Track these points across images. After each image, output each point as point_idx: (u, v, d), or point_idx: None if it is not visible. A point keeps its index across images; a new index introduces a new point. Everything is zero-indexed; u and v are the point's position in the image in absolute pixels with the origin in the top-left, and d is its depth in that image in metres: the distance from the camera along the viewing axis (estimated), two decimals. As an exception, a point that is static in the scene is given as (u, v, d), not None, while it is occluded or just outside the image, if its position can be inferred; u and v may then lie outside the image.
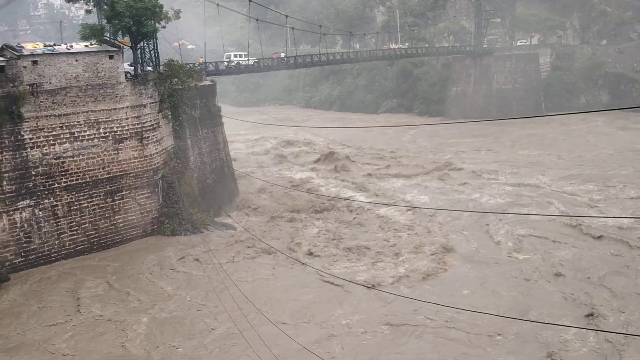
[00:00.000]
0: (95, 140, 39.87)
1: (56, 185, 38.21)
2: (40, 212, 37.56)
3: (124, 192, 41.31)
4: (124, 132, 41.18)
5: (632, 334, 27.14)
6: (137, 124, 41.79)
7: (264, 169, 68.33)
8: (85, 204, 39.50)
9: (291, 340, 26.43)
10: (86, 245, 39.44)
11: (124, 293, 33.66)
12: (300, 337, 27.42)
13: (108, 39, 41.65)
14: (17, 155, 36.44)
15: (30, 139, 36.97)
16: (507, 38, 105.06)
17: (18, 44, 41.30)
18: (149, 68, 44.46)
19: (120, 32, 41.75)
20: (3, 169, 35.85)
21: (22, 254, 36.79)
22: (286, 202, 52.62)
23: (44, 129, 37.46)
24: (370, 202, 50.74)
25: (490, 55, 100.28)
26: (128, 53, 43.41)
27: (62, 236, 38.46)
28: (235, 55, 71.51)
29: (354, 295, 32.87)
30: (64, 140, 38.44)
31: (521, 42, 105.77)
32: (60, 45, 40.34)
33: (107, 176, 40.46)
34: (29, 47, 38.78)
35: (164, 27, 44.21)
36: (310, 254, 39.69)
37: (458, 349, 27.39)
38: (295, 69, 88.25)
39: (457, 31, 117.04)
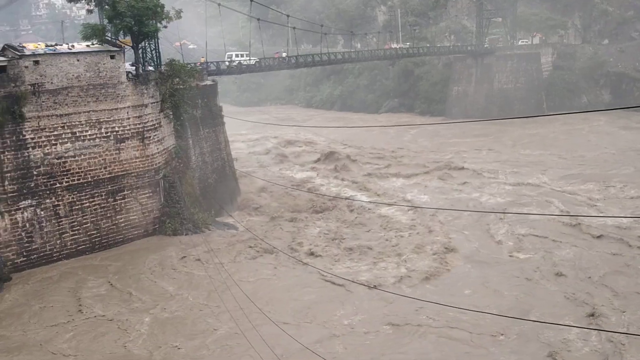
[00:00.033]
0: (97, 140, 39.88)
1: (58, 185, 38.24)
2: (42, 212, 37.59)
3: (125, 192, 41.32)
4: (126, 131, 41.20)
5: (634, 334, 27.10)
6: (139, 124, 41.81)
7: (265, 168, 68.34)
8: (87, 204, 39.53)
9: (293, 340, 26.41)
10: (88, 245, 39.47)
11: (125, 293, 33.67)
12: (302, 337, 27.40)
13: (109, 38, 41.66)
14: (19, 155, 36.47)
15: (32, 138, 37.00)
16: (509, 37, 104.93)
17: (20, 43, 41.35)
18: (151, 68, 44.47)
19: (121, 31, 41.73)
20: (5, 169, 35.89)
21: (24, 253, 36.83)
22: (287, 201, 52.64)
23: (45, 128, 37.49)
24: (371, 202, 50.74)
25: (491, 55, 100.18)
26: (129, 53, 43.42)
27: (63, 236, 38.48)
28: (236, 55, 71.48)
29: (356, 295, 32.86)
30: (66, 140, 38.46)
31: (522, 42, 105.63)
32: (61, 45, 40.39)
33: (108, 176, 40.47)
34: (30, 47, 38.83)
35: (165, 26, 44.23)
36: (312, 254, 39.70)
37: (461, 349, 27.39)
38: (296, 69, 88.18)
39: (458, 31, 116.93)
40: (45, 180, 37.67)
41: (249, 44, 73.15)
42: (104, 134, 40.17)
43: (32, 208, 37.13)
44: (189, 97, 46.69)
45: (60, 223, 38.35)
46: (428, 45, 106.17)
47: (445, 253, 39.05)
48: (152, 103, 42.91)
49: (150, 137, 42.44)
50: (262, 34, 78.63)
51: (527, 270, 36.04)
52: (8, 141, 35.99)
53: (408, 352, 27.35)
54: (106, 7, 41.36)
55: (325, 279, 34.86)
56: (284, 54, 77.45)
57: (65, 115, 38.26)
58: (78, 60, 38.67)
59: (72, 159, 38.78)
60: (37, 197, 37.34)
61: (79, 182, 39.14)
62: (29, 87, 36.58)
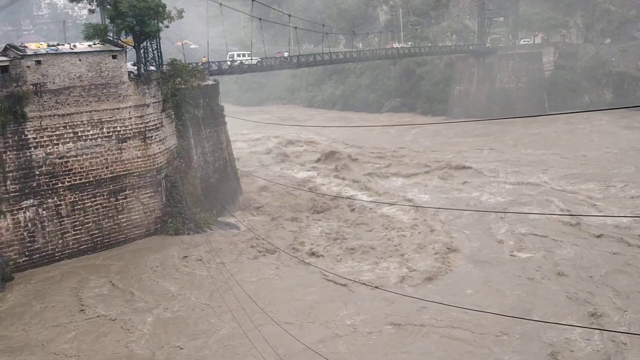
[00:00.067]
0: (99, 139, 39.91)
1: (60, 184, 38.26)
2: (44, 212, 37.62)
3: (127, 192, 41.35)
4: (127, 131, 41.22)
5: (635, 333, 27.09)
6: (141, 124, 41.83)
7: (266, 168, 68.38)
8: (89, 204, 39.55)
9: (296, 340, 26.39)
10: (90, 245, 39.49)
11: (127, 293, 33.67)
12: (305, 337, 27.39)
13: (111, 38, 41.68)
14: (21, 155, 36.50)
15: (34, 138, 37.04)
16: (510, 37, 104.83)
17: (22, 43, 41.39)
18: (152, 68, 44.49)
19: (123, 31, 41.76)
20: (7, 169, 35.92)
21: (26, 253, 36.86)
22: (289, 201, 52.65)
23: (47, 128, 37.51)
24: (372, 202, 50.73)
25: (493, 54, 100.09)
26: (131, 53, 43.47)
27: (65, 235, 38.51)
28: (238, 55, 71.50)
29: (358, 295, 32.85)
30: (68, 139, 38.49)
31: (524, 41, 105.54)
32: (63, 45, 40.41)
33: (110, 176, 40.50)
34: (32, 47, 38.86)
35: (167, 26, 44.24)
36: (314, 254, 39.66)
37: (464, 349, 27.38)
38: (298, 69, 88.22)
39: (460, 30, 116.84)
40: (47, 180, 37.70)
41: (250, 43, 73.24)
42: (106, 134, 40.20)
43: (34, 208, 37.17)
44: (190, 96, 46.71)
45: (62, 223, 38.38)
46: (430, 44, 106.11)
47: (447, 253, 39.05)
48: (153, 103, 42.93)
49: (152, 136, 42.45)
50: (264, 33, 78.59)
51: (528, 269, 36.05)
52: (10, 141, 36.02)
53: (411, 352, 27.34)
54: (108, 6, 41.37)
55: (328, 279, 34.86)
56: (286, 54, 77.47)
57: (67, 115, 38.29)
58: (80, 60, 38.70)
59: (74, 158, 38.81)
60: (39, 197, 37.37)
61: (81, 181, 39.17)
62: (31, 87, 36.61)
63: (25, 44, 40.06)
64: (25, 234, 36.82)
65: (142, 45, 43.26)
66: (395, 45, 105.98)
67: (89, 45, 40.26)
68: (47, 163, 37.61)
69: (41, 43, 42.44)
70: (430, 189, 56.38)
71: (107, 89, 39.85)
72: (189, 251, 39.23)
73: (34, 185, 37.16)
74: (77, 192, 39.00)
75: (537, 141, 76.88)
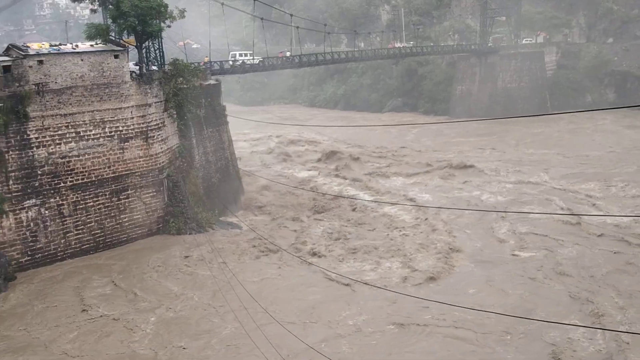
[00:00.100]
0: (101, 139, 39.95)
1: (62, 184, 38.31)
2: (47, 211, 37.67)
3: (129, 191, 41.39)
4: (129, 131, 41.26)
5: (638, 332, 27.05)
6: (143, 123, 41.86)
7: (268, 167, 68.41)
8: (91, 203, 39.60)
9: (299, 340, 26.35)
10: (92, 244, 39.54)
11: (130, 292, 33.68)
12: (308, 338, 27.37)
13: (113, 38, 41.73)
14: (23, 155, 36.56)
15: (36, 138, 37.09)
16: (513, 36, 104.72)
17: (24, 43, 41.45)
18: (154, 67, 44.52)
19: (125, 31, 41.84)
20: (9, 168, 35.97)
21: (29, 252, 36.92)
22: (291, 200, 52.65)
23: (49, 128, 37.56)
24: (374, 201, 50.70)
25: (495, 54, 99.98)
26: (133, 52, 43.47)
27: (68, 235, 38.57)
28: (240, 55, 71.54)
29: (361, 295, 32.83)
30: (70, 139, 38.54)
31: (527, 41, 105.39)
32: (65, 44, 40.47)
33: (112, 175, 40.54)
34: (34, 46, 38.92)
35: (169, 26, 44.32)
36: (316, 253, 39.61)
37: (467, 348, 27.37)
38: (300, 68, 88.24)
39: (462, 30, 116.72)
40: (49, 180, 37.75)
41: (252, 43, 73.23)
42: (108, 134, 40.24)
43: (36, 207, 37.22)
44: (192, 96, 46.74)
45: (65, 222, 38.43)
46: (432, 44, 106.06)
47: (449, 252, 39.01)
48: (155, 102, 42.96)
49: (154, 136, 42.49)
50: (266, 33, 78.51)
51: (530, 269, 36.06)
52: (12, 141, 36.07)
53: (415, 352, 27.32)
54: (110, 6, 41.43)
55: (330, 279, 34.85)
56: (288, 53, 77.49)
57: (69, 114, 38.34)
58: (82, 60, 38.75)
59: (76, 158, 38.86)
60: (41, 197, 37.42)
61: (83, 181, 39.22)
62: (33, 86, 36.66)
63: (28, 44, 40.13)
64: (27, 233, 36.87)
65: (144, 45, 43.29)
66: (397, 44, 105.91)
67: (91, 45, 40.30)
68: (50, 163, 37.66)
69: (43, 43, 42.48)
70: (431, 188, 56.37)
71: (109, 89, 39.89)
72: (191, 251, 39.25)
73: (37, 184, 37.21)
74: (80, 192, 39.06)
75: (539, 141, 76.81)
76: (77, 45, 40.22)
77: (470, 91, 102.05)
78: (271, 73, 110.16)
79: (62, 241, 38.33)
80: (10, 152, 36.02)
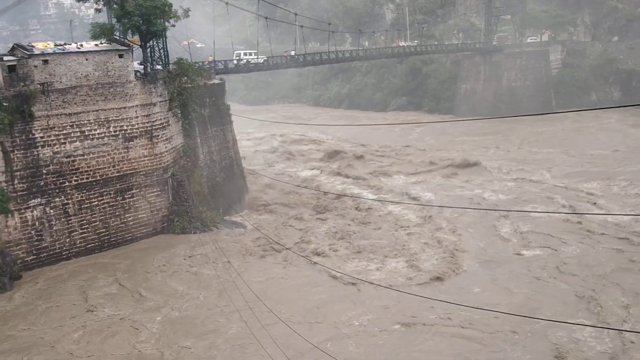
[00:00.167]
0: (106, 138, 40.04)
1: (67, 183, 38.41)
2: (52, 211, 37.78)
3: (134, 191, 41.48)
4: (134, 130, 41.34)
5: None
6: (147, 123, 41.93)
7: (272, 166, 68.43)
8: (96, 202, 39.69)
9: (304, 340, 26.28)
10: (97, 244, 39.64)
11: (135, 292, 33.69)
12: (314, 337, 27.30)
13: (118, 37, 41.79)
14: (29, 154, 36.67)
15: (42, 137, 37.19)
16: (517, 35, 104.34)
17: (29, 43, 41.58)
18: (159, 67, 44.56)
19: (129, 31, 41.87)
20: (15, 168, 36.09)
21: (34, 252, 37.03)
22: (294, 199, 52.66)
23: (54, 127, 37.67)
24: (377, 200, 50.67)
25: (500, 53, 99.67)
26: (138, 52, 43.54)
27: (73, 234, 38.67)
28: (244, 54, 71.58)
29: (366, 295, 32.77)
30: (75, 138, 38.64)
31: (531, 39, 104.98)
32: (70, 44, 40.59)
33: (117, 174, 40.63)
34: (39, 46, 39.03)
35: (173, 25, 44.33)
36: (321, 253, 39.56)
37: (474, 347, 27.31)
38: (304, 67, 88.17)
39: (466, 28, 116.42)
40: (54, 179, 37.85)
41: (256, 42, 73.22)
42: (113, 133, 40.33)
43: (41, 207, 37.33)
44: (197, 95, 46.77)
45: (70, 221, 38.54)
46: (436, 43, 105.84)
47: (454, 251, 38.96)
48: (160, 102, 43.02)
49: (158, 135, 42.56)
50: (270, 32, 78.56)
51: (534, 268, 36.03)
52: (18, 140, 36.19)
53: (422, 351, 27.28)
54: (115, 6, 41.51)
55: (335, 278, 34.80)
56: (293, 52, 77.49)
57: (74, 114, 38.43)
58: (87, 60, 38.83)
59: (81, 157, 38.96)
60: (46, 196, 37.53)
61: (88, 180, 39.32)
62: (38, 86, 36.77)
63: (33, 44, 40.25)
64: (32, 232, 36.99)
65: (148, 44, 43.37)
66: (402, 43, 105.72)
67: (96, 45, 40.41)
68: (55, 162, 37.76)
69: (48, 42, 42.60)
70: (435, 187, 56.34)
71: (114, 88, 39.98)
72: (196, 250, 39.31)
73: (42, 184, 37.32)
74: (84, 191, 39.16)
75: (543, 139, 76.56)
76: (81, 45, 40.34)
77: (475, 90, 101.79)
78: (275, 72, 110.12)
79: (67, 240, 38.44)
80: (16, 152, 36.14)
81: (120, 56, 40.31)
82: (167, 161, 43.33)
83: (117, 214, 40.59)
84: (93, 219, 39.52)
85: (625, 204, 47.64)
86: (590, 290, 32.52)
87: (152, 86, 42.22)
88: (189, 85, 45.67)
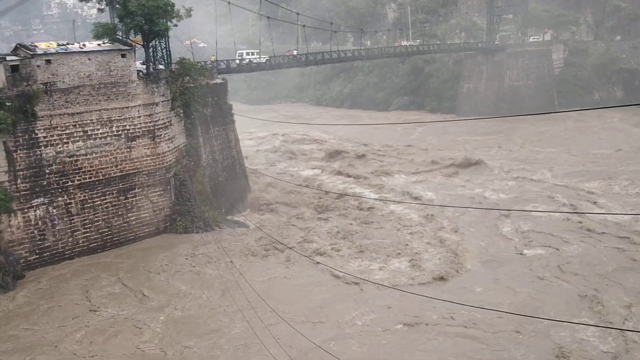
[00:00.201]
0: (108, 138, 40.07)
1: (70, 183, 38.45)
2: (54, 210, 37.83)
3: (136, 190, 41.51)
4: (137, 130, 41.36)
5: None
6: (150, 122, 41.97)
7: (274, 166, 68.48)
8: (99, 202, 39.73)
9: (307, 340, 26.28)
10: (99, 243, 39.68)
11: (138, 292, 33.70)
12: (317, 337, 27.32)
13: (120, 37, 41.81)
14: (32, 154, 36.71)
15: (44, 137, 37.24)
16: (520, 34, 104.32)
17: (32, 43, 41.67)
18: (161, 66, 44.59)
19: (132, 30, 41.89)
20: (17, 167, 36.13)
21: (37, 251, 37.08)
22: (296, 199, 52.65)
23: (57, 127, 37.71)
24: (379, 199, 50.68)
25: (502, 52, 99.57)
26: (140, 51, 43.59)
27: (75, 234, 38.72)
28: (247, 54, 71.63)
29: (369, 294, 32.76)
30: (77, 138, 38.67)
31: (534, 39, 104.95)
32: (73, 44, 40.63)
33: (119, 174, 40.67)
34: (42, 46, 39.09)
35: (175, 25, 44.35)
36: (323, 252, 39.55)
37: (478, 347, 27.32)
38: (306, 67, 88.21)
39: (468, 28, 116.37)
40: (57, 179, 37.89)
41: (259, 42, 73.24)
42: (115, 132, 40.36)
43: (44, 206, 37.38)
44: (199, 95, 46.80)
45: (72, 221, 38.58)
46: (438, 42, 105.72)
47: (456, 250, 38.95)
48: (162, 101, 43.05)
49: (161, 135, 42.59)
50: (272, 32, 78.70)
51: (536, 267, 36.06)
52: (21, 140, 36.23)
53: (426, 351, 27.29)
54: (117, 6, 41.51)
55: (338, 278, 34.80)
56: (295, 52, 77.50)
57: (77, 113, 38.47)
58: (89, 59, 38.86)
59: (84, 157, 39.00)
60: (49, 195, 37.58)
61: (91, 180, 39.36)
62: (41, 86, 36.81)
63: (35, 44, 40.32)
64: (35, 232, 37.03)
65: (151, 44, 43.38)
66: (404, 43, 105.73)
67: (98, 45, 40.43)
68: (57, 162, 37.81)
69: (51, 42, 42.70)
70: (436, 186, 56.37)
71: (117, 88, 40.01)
72: (198, 250, 39.31)
73: (44, 183, 37.37)
74: (87, 191, 39.21)
75: (546, 139, 76.49)
76: (84, 45, 40.39)
77: (477, 89, 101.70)
78: (277, 72, 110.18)
79: (70, 240, 38.50)
80: (19, 151, 36.18)
81: (123, 56, 40.34)
82: (170, 161, 43.36)
83: (119, 213, 40.63)
84: (96, 219, 39.56)
85: (626, 203, 47.64)
86: (593, 289, 32.49)
87: (155, 86, 42.25)
88: (192, 84, 45.71)
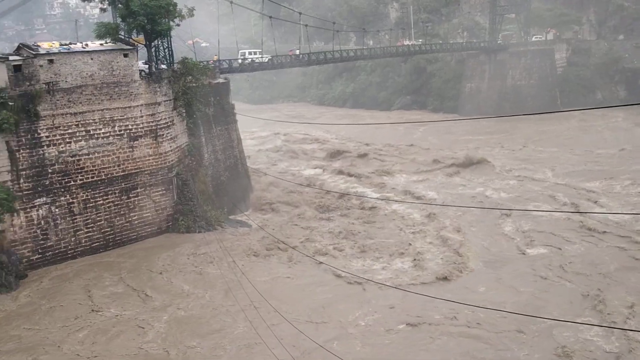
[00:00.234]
0: (111, 138, 40.08)
1: (72, 182, 38.46)
2: (57, 210, 37.85)
3: (138, 190, 41.51)
4: (139, 129, 41.37)
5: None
6: (152, 122, 41.96)
7: (275, 165, 68.48)
8: (101, 202, 39.75)
9: (310, 340, 26.25)
10: (102, 243, 39.69)
11: (140, 291, 33.66)
12: (319, 337, 27.25)
13: (123, 37, 41.83)
14: (34, 153, 36.73)
15: (47, 137, 37.25)
16: (522, 33, 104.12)
17: (34, 43, 41.74)
18: (163, 66, 44.61)
19: (134, 30, 41.93)
20: (20, 167, 36.15)
21: (39, 251, 37.11)
22: (298, 198, 52.63)
23: (60, 127, 37.72)
24: (381, 199, 50.64)
25: (504, 51, 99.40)
26: (142, 51, 43.58)
27: (78, 233, 38.74)
28: (249, 53, 71.67)
29: (372, 294, 32.69)
30: (80, 138, 38.68)
31: (536, 38, 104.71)
32: (75, 44, 40.63)
33: (122, 174, 40.68)
34: (45, 46, 39.10)
35: (178, 25, 44.38)
36: (326, 252, 39.50)
37: (482, 347, 27.25)
38: (308, 66, 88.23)
39: (471, 27, 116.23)
40: (59, 178, 37.91)
41: (261, 41, 73.25)
42: (118, 132, 40.37)
43: (46, 206, 37.40)
44: (201, 95, 46.82)
45: (75, 220, 38.60)
46: (441, 42, 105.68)
47: (458, 250, 38.89)
48: (165, 101, 43.06)
49: (163, 135, 42.59)
50: (274, 31, 78.49)
51: (539, 266, 36.00)
52: (23, 139, 36.25)
53: (430, 350, 27.22)
54: (119, 5, 41.52)
55: (340, 278, 34.76)
56: (297, 51, 77.52)
57: (80, 113, 38.48)
58: (92, 59, 38.87)
59: (86, 156, 39.02)
60: (51, 195, 37.60)
61: (93, 179, 39.38)
62: (44, 85, 36.83)
63: (38, 43, 40.37)
64: (38, 231, 37.06)
65: (153, 43, 43.39)
66: (406, 42, 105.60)
67: (101, 44, 40.44)
68: (60, 161, 37.82)
69: (53, 42, 42.72)
70: (438, 185, 56.32)
71: (119, 88, 40.01)
72: (201, 249, 39.29)
73: (47, 183, 37.39)
74: (90, 190, 39.21)
75: (548, 138, 76.32)
76: (87, 44, 40.38)
77: (480, 89, 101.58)
78: (280, 71, 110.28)
79: (73, 239, 38.51)
80: (21, 151, 36.21)
81: (125, 55, 40.34)
82: (172, 160, 43.37)
83: (122, 213, 40.64)
84: (98, 218, 39.57)
85: (627, 203, 47.53)
86: (596, 289, 32.42)
87: (157, 85, 42.26)
88: (194, 84, 45.72)
